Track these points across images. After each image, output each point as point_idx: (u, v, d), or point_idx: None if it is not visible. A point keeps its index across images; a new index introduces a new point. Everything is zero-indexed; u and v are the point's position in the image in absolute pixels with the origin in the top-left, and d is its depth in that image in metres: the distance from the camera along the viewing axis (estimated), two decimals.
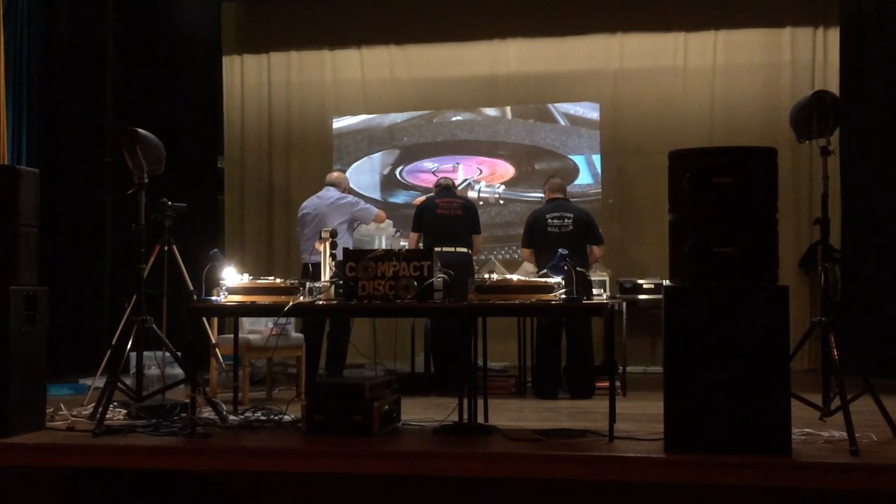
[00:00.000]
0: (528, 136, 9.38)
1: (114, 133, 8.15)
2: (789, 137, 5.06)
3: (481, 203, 9.07)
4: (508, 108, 9.46)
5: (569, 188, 8.96)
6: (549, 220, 6.80)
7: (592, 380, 6.55)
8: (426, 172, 9.45)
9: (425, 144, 9.58)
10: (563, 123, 9.33)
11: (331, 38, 9.61)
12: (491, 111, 9.50)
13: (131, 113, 8.32)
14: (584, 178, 9.21)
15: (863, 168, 7.76)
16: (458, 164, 9.45)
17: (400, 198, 9.54)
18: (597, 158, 9.19)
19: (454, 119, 9.56)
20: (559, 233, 6.73)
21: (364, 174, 9.63)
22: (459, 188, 8.92)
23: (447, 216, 6.95)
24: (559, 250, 4.74)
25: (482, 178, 9.40)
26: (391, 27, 9.48)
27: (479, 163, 9.46)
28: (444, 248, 6.64)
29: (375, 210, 7.26)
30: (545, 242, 6.70)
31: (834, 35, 8.47)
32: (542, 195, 7.46)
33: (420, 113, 9.60)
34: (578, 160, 9.25)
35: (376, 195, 9.51)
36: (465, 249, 6.90)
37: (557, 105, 9.32)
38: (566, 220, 6.77)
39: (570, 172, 9.19)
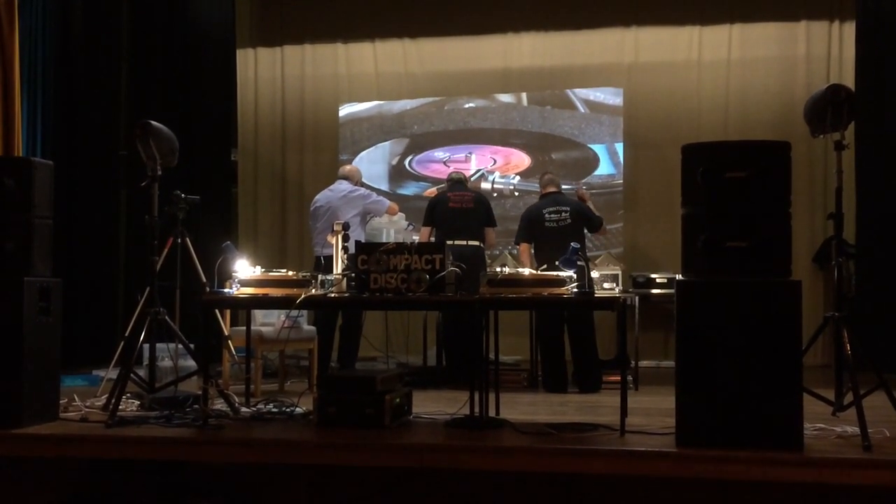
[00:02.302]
0: (545, 123, 9.04)
1: (127, 126, 8.18)
2: (804, 131, 5.03)
3: (495, 195, 8.98)
4: (524, 95, 9.18)
5: (588, 179, 8.85)
6: (547, 216, 6.78)
7: (600, 374, 6.54)
8: (437, 163, 9.21)
9: (436, 133, 9.27)
10: (582, 110, 8.99)
11: (344, 32, 9.60)
12: (505, 97, 9.20)
13: (145, 105, 8.36)
14: (604, 169, 8.90)
15: (878, 163, 7.73)
16: (470, 153, 9.22)
17: (409, 189, 9.27)
18: (619, 147, 8.90)
19: (466, 106, 9.21)
20: (557, 227, 6.72)
21: (372, 164, 9.27)
22: (472, 179, 8.84)
23: (459, 209, 6.94)
24: (571, 244, 4.73)
25: (496, 168, 9.17)
26: (405, 20, 9.46)
27: (492, 152, 9.18)
28: (457, 242, 6.63)
29: (388, 202, 7.26)
30: (544, 238, 6.70)
31: (850, 29, 8.42)
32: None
33: (431, 99, 9.32)
34: (598, 149, 8.96)
35: (384, 186, 9.23)
36: (477, 243, 6.89)
37: (577, 91, 9.00)
38: (563, 214, 6.76)
39: (589, 162, 8.90)
